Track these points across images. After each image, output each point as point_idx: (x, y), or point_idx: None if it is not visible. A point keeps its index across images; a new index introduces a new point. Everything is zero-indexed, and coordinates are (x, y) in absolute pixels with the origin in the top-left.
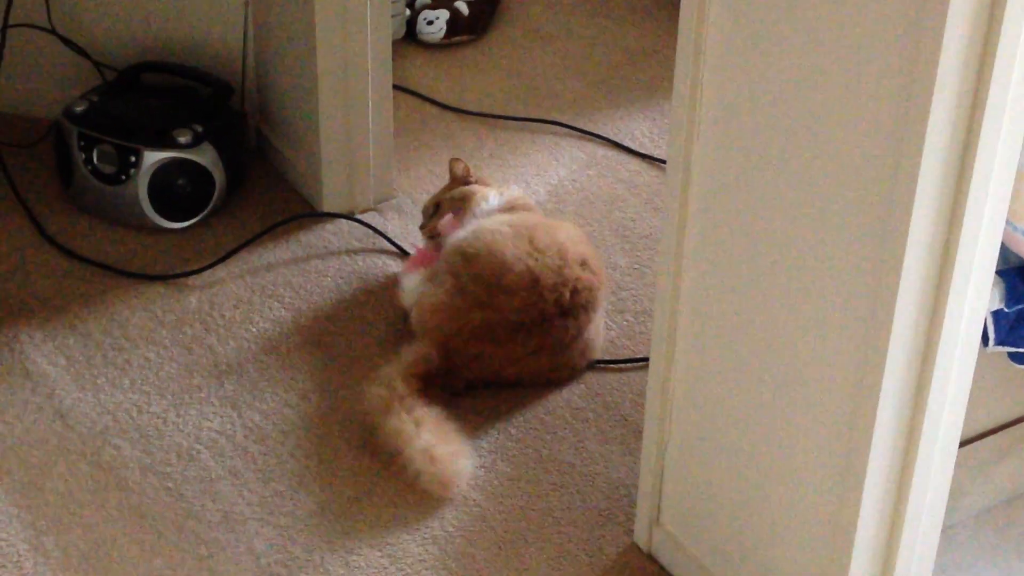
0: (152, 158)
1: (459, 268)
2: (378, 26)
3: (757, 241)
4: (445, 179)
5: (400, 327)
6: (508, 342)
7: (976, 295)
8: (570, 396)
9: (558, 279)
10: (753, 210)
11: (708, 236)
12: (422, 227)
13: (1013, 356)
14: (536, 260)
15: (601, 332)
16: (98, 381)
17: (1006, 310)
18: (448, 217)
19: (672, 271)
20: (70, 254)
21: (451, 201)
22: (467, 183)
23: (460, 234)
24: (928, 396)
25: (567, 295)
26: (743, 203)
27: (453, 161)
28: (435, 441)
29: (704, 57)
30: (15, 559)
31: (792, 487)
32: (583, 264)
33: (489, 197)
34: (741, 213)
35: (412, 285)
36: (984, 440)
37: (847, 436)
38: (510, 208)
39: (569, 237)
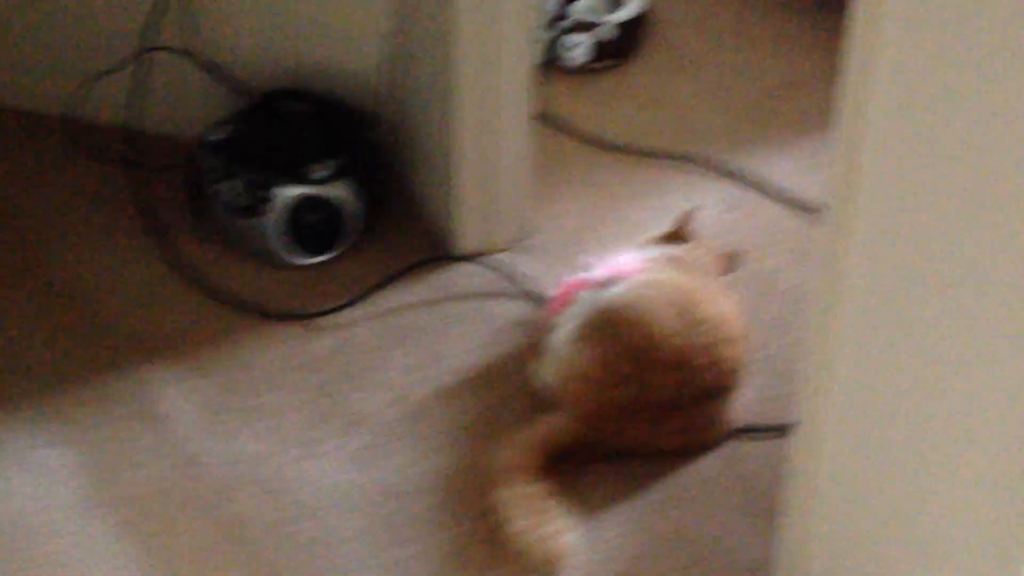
0: (286, 194)
1: (606, 334)
2: (519, 52)
3: (921, 305)
4: (585, 219)
5: (530, 385)
6: (653, 421)
7: None
8: (704, 467)
9: (708, 360)
10: (920, 273)
11: (867, 299)
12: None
13: None
14: (687, 337)
15: (738, 404)
16: (225, 428)
17: None
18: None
19: (822, 340)
20: (201, 289)
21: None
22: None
23: (611, 292)
24: None
25: (714, 377)
26: (908, 262)
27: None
28: (536, 522)
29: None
30: None
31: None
32: (733, 341)
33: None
34: (905, 273)
35: (560, 340)
36: None
37: (1010, 521)
38: (677, 261)
39: (725, 310)
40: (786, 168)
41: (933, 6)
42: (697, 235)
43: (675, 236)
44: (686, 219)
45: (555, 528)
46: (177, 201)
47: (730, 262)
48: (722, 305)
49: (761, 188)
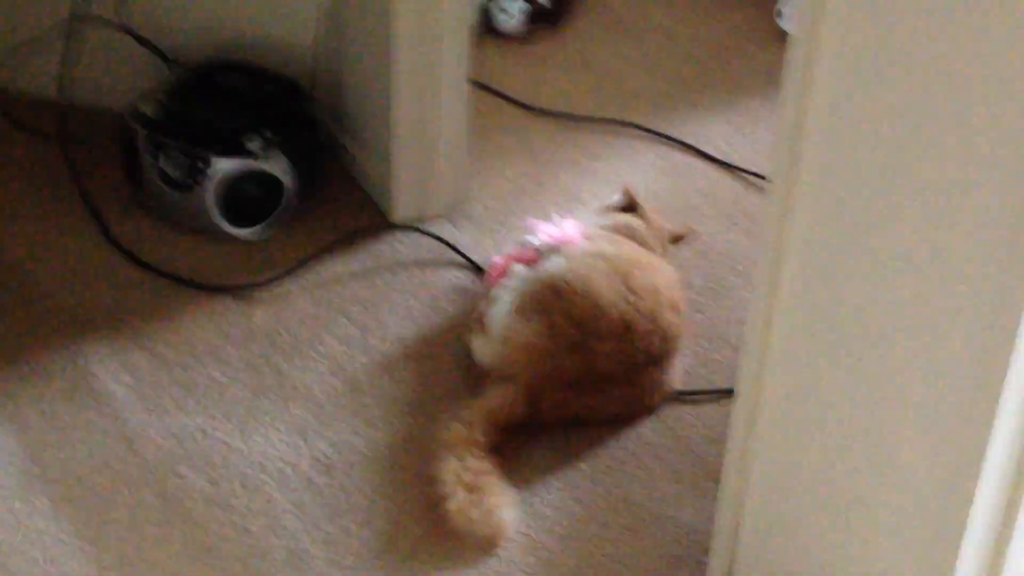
0: (221, 166)
1: (552, 306)
2: (457, 17)
3: (863, 273)
4: (520, 185)
5: (469, 355)
6: (596, 391)
7: None
8: (642, 430)
9: (651, 326)
10: (861, 240)
11: (808, 268)
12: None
13: None
14: (630, 304)
15: (679, 368)
16: (163, 402)
17: None
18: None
19: (766, 308)
20: (137, 262)
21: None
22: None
23: (553, 263)
24: None
25: (657, 343)
26: (851, 231)
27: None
28: (476, 498)
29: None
30: None
31: (883, 547)
32: (673, 308)
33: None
34: (849, 242)
35: (501, 311)
36: None
37: (945, 496)
38: (618, 230)
39: (665, 278)
40: (721, 132)
41: None
42: (642, 207)
43: (623, 209)
44: (629, 194)
45: (495, 503)
46: (112, 174)
47: (678, 239)
48: (662, 272)
49: (696, 152)
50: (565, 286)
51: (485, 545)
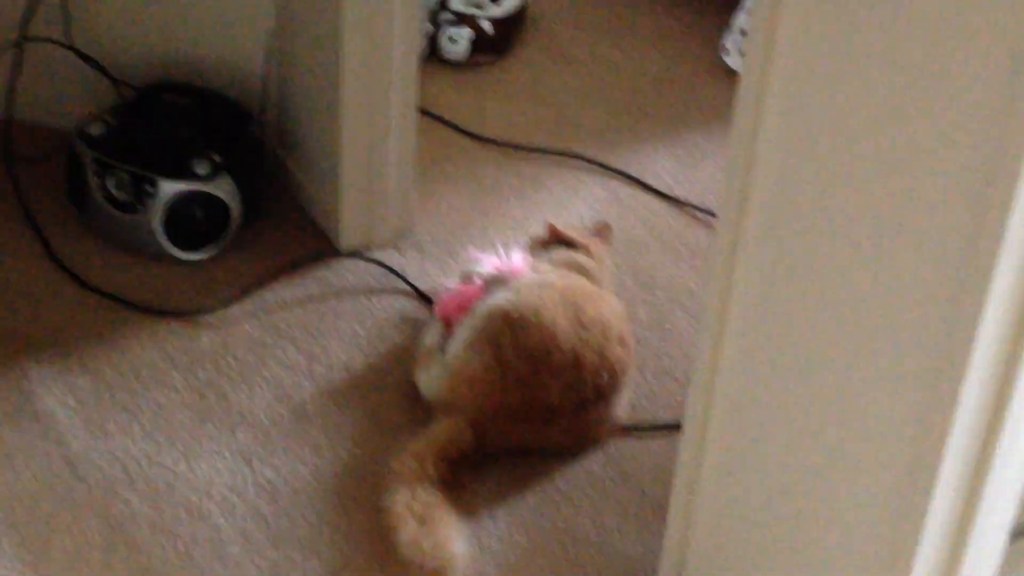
0: (168, 189)
1: (502, 338)
2: (407, 45)
3: (811, 309)
4: (467, 214)
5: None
6: (544, 424)
7: None
8: (589, 464)
9: (599, 361)
10: (809, 276)
11: (756, 304)
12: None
13: None
14: (580, 339)
15: (626, 403)
16: (108, 427)
17: None
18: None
19: (712, 344)
20: (81, 283)
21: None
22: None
23: (502, 295)
24: (985, 487)
25: (605, 377)
26: (799, 267)
27: (548, 226)
28: (425, 531)
29: (765, 110)
30: None
31: None
32: (621, 342)
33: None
34: (797, 278)
35: (452, 350)
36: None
37: (893, 537)
38: (565, 264)
39: (613, 311)
40: (665, 165)
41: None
42: (579, 240)
43: (549, 244)
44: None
45: (445, 535)
46: (57, 194)
47: (603, 236)
48: (610, 305)
49: (640, 184)
50: (516, 318)
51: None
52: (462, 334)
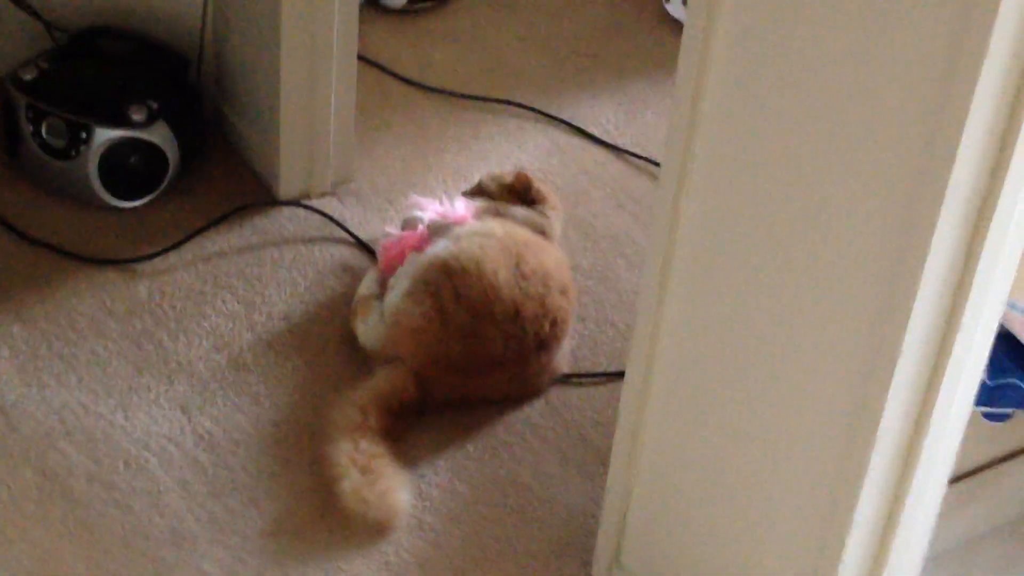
0: (104, 135)
1: (442, 288)
2: None
3: (754, 260)
4: (407, 162)
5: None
6: (485, 375)
7: (974, 365)
8: (529, 412)
9: (540, 311)
10: (753, 227)
11: (700, 253)
12: (465, 192)
13: (987, 415)
14: (521, 289)
15: (567, 352)
16: (43, 376)
17: (989, 384)
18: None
19: (656, 293)
20: (15, 232)
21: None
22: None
23: (443, 244)
24: (922, 446)
25: (547, 327)
26: (743, 217)
27: (522, 175)
28: (365, 482)
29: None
30: None
31: (769, 536)
32: (563, 292)
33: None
34: (740, 228)
35: (392, 299)
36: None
37: (833, 484)
38: (502, 215)
39: (555, 261)
40: (608, 114)
41: None
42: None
43: (476, 194)
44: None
45: (388, 486)
46: None
47: (522, 184)
48: (552, 254)
49: (583, 133)
50: (457, 268)
51: (378, 528)
52: (401, 283)
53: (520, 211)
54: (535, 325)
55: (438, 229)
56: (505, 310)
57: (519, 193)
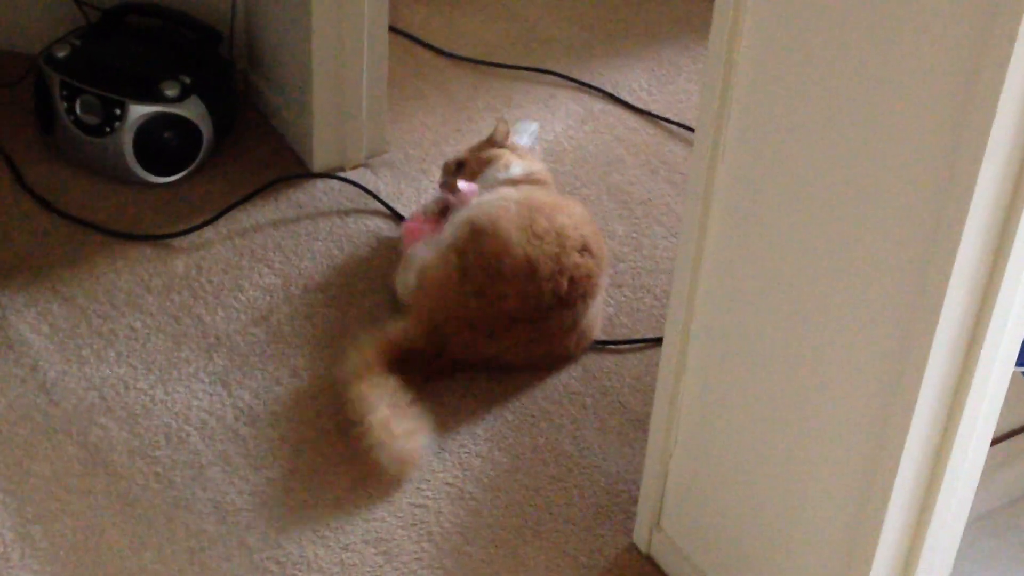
0: (138, 111)
1: (465, 244)
2: None
3: (790, 221)
4: (439, 132)
5: (391, 299)
6: (502, 334)
7: (1016, 325)
8: (568, 380)
9: (555, 268)
10: (788, 190)
11: (735, 217)
12: (442, 184)
13: None
14: (534, 247)
15: (600, 315)
16: (83, 352)
17: None
18: (468, 186)
19: (692, 259)
20: (52, 209)
21: (478, 162)
22: (501, 147)
23: (472, 207)
24: (964, 408)
25: (564, 284)
26: (778, 181)
27: (499, 122)
28: (394, 416)
29: (742, 24)
30: (2, 550)
31: (808, 500)
32: (583, 250)
33: (511, 166)
34: (775, 192)
35: (418, 256)
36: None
37: (874, 447)
38: (523, 181)
39: (571, 219)
40: (640, 80)
41: None
42: (513, 143)
43: (491, 144)
44: (500, 126)
45: (409, 427)
46: (25, 120)
47: (501, 133)
48: (570, 215)
49: (615, 100)
50: (478, 228)
51: (397, 471)
52: (441, 240)
53: (501, 173)
54: (551, 283)
55: (457, 203)
56: (517, 267)
57: (498, 143)
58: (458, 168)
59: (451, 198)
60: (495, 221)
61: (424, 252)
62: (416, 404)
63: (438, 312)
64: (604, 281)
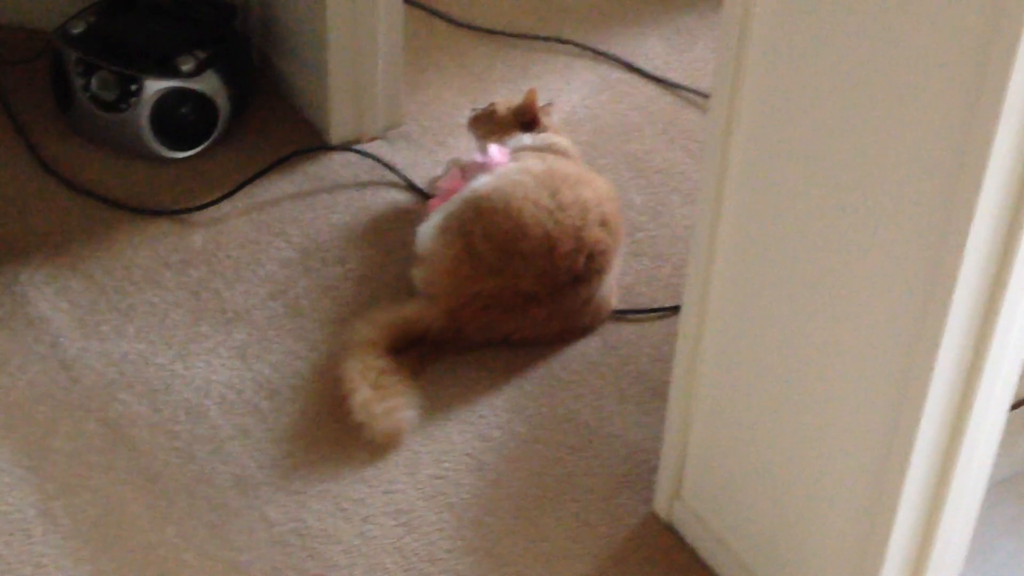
0: (154, 87)
1: (471, 227)
2: None
3: (807, 189)
4: (456, 104)
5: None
6: (519, 311)
7: None
8: (586, 350)
9: (575, 244)
10: (804, 157)
11: (752, 184)
12: (470, 121)
13: None
14: (555, 222)
15: (615, 287)
16: (102, 328)
17: None
18: (499, 151)
19: (709, 227)
20: (70, 185)
21: (506, 112)
22: (533, 115)
23: (481, 181)
24: (982, 371)
25: (582, 261)
26: (794, 148)
27: (531, 91)
28: (375, 396)
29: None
30: (24, 526)
31: (828, 466)
32: (603, 224)
33: (523, 138)
34: (791, 160)
35: (427, 232)
36: (1010, 412)
37: (893, 413)
38: (544, 149)
39: (595, 194)
40: (656, 48)
41: None
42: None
43: (522, 111)
44: (530, 95)
45: (397, 403)
46: (41, 96)
47: (527, 108)
48: (593, 187)
49: (632, 69)
50: (486, 206)
51: (384, 442)
52: (435, 219)
53: (539, 137)
54: (568, 260)
55: (475, 168)
56: (534, 245)
57: (524, 112)
58: (488, 120)
59: (477, 159)
60: (507, 199)
61: (428, 238)
62: (413, 379)
63: (454, 297)
64: (620, 254)
